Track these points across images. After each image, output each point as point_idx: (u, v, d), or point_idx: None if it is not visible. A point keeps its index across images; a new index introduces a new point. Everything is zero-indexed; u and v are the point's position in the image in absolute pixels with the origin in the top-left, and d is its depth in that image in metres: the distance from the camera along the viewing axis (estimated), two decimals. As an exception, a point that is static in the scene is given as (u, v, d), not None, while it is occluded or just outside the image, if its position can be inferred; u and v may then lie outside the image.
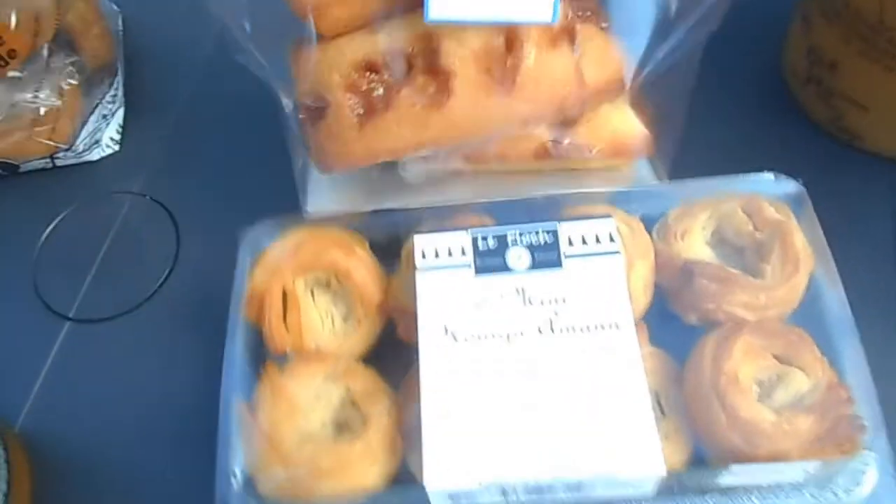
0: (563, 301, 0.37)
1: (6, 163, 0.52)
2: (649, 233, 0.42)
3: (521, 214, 0.42)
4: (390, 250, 0.42)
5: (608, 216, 0.40)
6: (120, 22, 0.59)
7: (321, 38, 0.40)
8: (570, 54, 0.40)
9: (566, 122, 0.44)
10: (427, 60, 0.39)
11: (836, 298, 0.40)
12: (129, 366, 0.46)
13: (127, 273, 0.50)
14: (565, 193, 0.44)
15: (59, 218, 0.52)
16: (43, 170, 0.53)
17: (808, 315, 0.39)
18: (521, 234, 0.40)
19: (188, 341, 0.47)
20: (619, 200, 0.44)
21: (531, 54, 0.39)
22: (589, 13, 0.41)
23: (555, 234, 0.40)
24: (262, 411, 0.34)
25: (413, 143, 0.40)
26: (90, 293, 0.49)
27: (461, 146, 0.42)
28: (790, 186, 0.44)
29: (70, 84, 0.52)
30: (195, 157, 0.54)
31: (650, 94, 0.44)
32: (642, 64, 0.41)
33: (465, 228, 0.40)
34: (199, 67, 0.58)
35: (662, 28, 0.40)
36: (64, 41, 0.51)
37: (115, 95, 0.55)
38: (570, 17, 0.40)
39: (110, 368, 0.47)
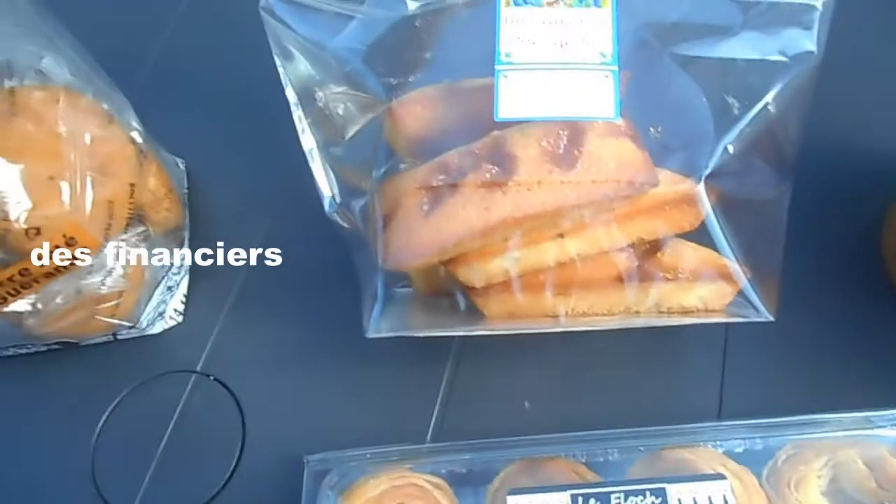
0: (678, 586, 0.34)
1: (65, 341, 0.50)
2: (757, 474, 0.39)
3: (616, 452, 0.40)
4: (472, 483, 0.41)
5: (721, 477, 0.37)
6: (185, 182, 0.56)
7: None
8: (637, 147, 0.40)
9: (650, 244, 0.43)
10: (493, 151, 0.40)
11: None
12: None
13: (191, 466, 0.47)
14: (664, 429, 0.41)
15: (118, 399, 0.49)
16: (103, 343, 0.51)
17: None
18: (626, 496, 0.37)
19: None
20: (723, 434, 0.41)
21: (594, 138, 0.39)
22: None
23: (664, 494, 0.37)
24: None
25: (478, 227, 0.40)
26: (150, 489, 0.46)
27: (528, 230, 0.41)
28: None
29: (136, 256, 0.49)
30: (259, 330, 0.52)
31: (740, 222, 0.42)
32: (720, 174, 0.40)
33: (564, 488, 0.37)
34: (262, 225, 0.56)
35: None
36: (134, 217, 0.48)
37: (181, 266, 0.52)
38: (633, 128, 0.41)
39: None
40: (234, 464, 0.47)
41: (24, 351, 0.50)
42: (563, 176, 0.39)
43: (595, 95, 0.39)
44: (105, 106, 0.46)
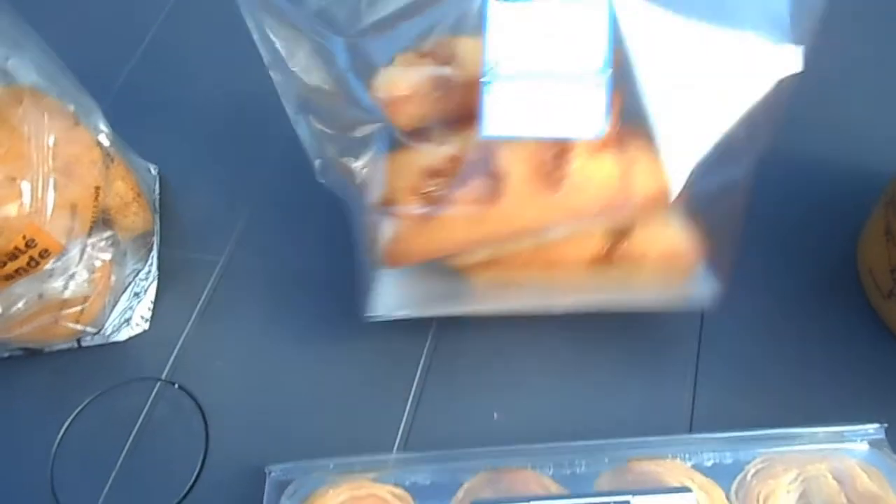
0: None
1: (28, 347, 0.49)
2: (725, 488, 0.39)
3: (584, 464, 0.39)
4: (436, 496, 0.40)
5: (687, 490, 0.36)
6: (157, 187, 0.56)
7: (396, 141, 0.43)
8: (616, 163, 0.41)
9: (619, 231, 0.43)
10: (483, 165, 0.41)
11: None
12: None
13: (152, 475, 0.46)
14: (633, 441, 0.41)
15: (80, 407, 0.48)
16: (67, 350, 0.50)
17: None
18: (589, 509, 0.36)
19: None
20: (692, 447, 0.40)
21: (578, 159, 0.40)
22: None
23: (627, 508, 0.36)
24: None
25: (469, 239, 0.42)
26: (110, 499, 0.45)
27: (514, 242, 0.43)
28: (877, 434, 0.41)
29: (102, 260, 0.49)
30: (226, 339, 0.51)
31: (702, 210, 0.43)
32: (691, 181, 0.41)
33: (527, 500, 0.36)
34: (232, 233, 0.55)
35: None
36: (100, 221, 0.48)
37: (148, 272, 0.52)
38: (618, 130, 0.41)
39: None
40: (196, 473, 0.46)
41: (-15, 357, 0.50)
42: (549, 196, 0.40)
43: (584, 109, 0.38)
44: (71, 108, 0.45)
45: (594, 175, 0.41)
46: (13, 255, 0.41)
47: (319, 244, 0.54)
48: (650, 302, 0.45)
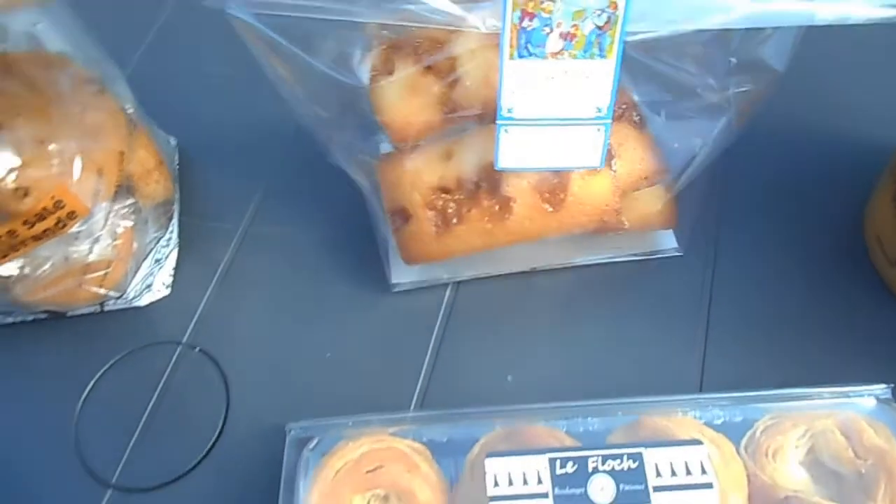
0: (653, 547, 0.34)
1: (52, 311, 0.50)
2: (736, 445, 0.40)
3: (596, 422, 0.40)
4: (452, 452, 0.41)
5: (699, 442, 0.37)
6: (176, 158, 0.57)
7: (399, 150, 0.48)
8: (609, 176, 0.46)
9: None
10: (491, 186, 0.46)
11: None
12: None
13: (174, 435, 0.47)
14: (644, 401, 0.41)
15: (104, 369, 0.49)
16: (90, 314, 0.51)
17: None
18: (603, 460, 0.37)
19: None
20: (703, 405, 0.41)
21: (577, 184, 0.46)
22: (624, 107, 0.47)
23: (640, 459, 0.37)
24: None
25: (480, 247, 0.48)
26: (134, 457, 0.46)
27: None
28: (884, 394, 0.41)
29: (125, 227, 0.50)
30: (246, 303, 0.52)
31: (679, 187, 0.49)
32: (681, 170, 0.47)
33: (543, 451, 0.37)
34: (251, 202, 0.56)
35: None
36: (123, 188, 0.49)
37: (169, 239, 0.53)
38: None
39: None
40: (216, 433, 0.47)
41: (10, 320, 0.51)
42: (550, 218, 0.46)
43: (585, 147, 0.42)
44: (97, 74, 0.46)
45: (590, 196, 0.46)
46: (41, 216, 0.43)
47: (335, 212, 0.55)
48: (626, 255, 0.51)
